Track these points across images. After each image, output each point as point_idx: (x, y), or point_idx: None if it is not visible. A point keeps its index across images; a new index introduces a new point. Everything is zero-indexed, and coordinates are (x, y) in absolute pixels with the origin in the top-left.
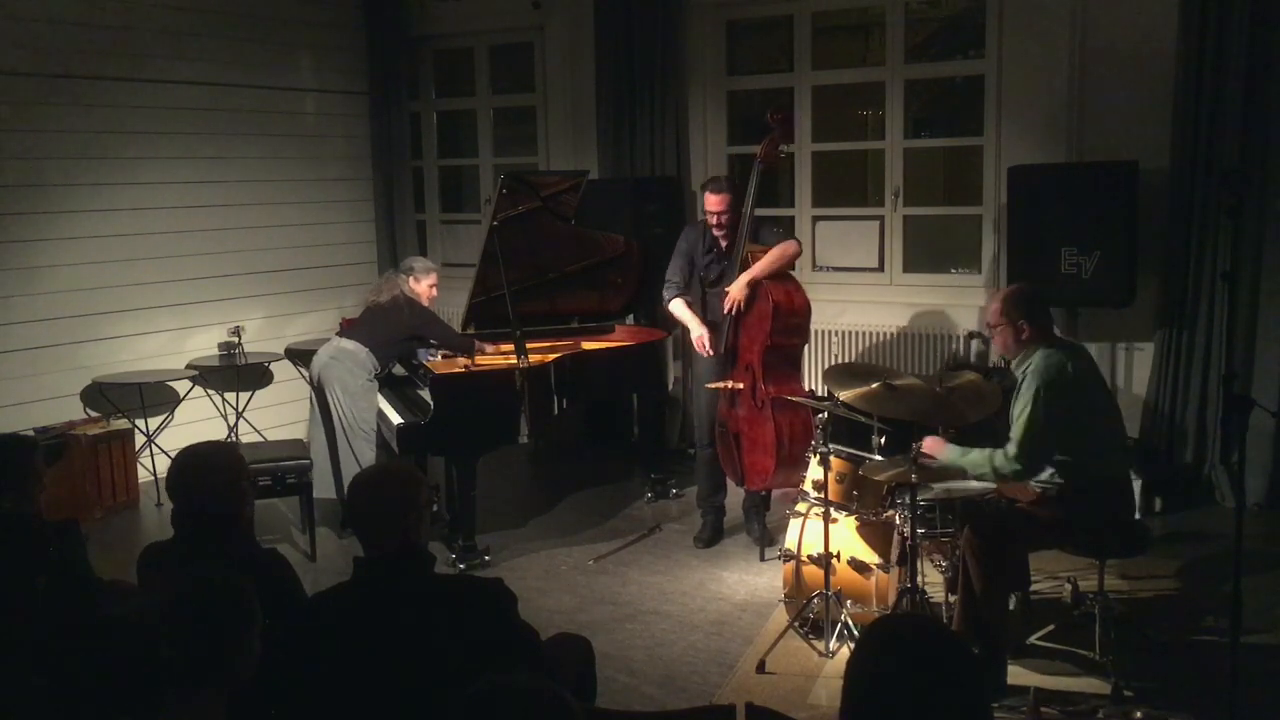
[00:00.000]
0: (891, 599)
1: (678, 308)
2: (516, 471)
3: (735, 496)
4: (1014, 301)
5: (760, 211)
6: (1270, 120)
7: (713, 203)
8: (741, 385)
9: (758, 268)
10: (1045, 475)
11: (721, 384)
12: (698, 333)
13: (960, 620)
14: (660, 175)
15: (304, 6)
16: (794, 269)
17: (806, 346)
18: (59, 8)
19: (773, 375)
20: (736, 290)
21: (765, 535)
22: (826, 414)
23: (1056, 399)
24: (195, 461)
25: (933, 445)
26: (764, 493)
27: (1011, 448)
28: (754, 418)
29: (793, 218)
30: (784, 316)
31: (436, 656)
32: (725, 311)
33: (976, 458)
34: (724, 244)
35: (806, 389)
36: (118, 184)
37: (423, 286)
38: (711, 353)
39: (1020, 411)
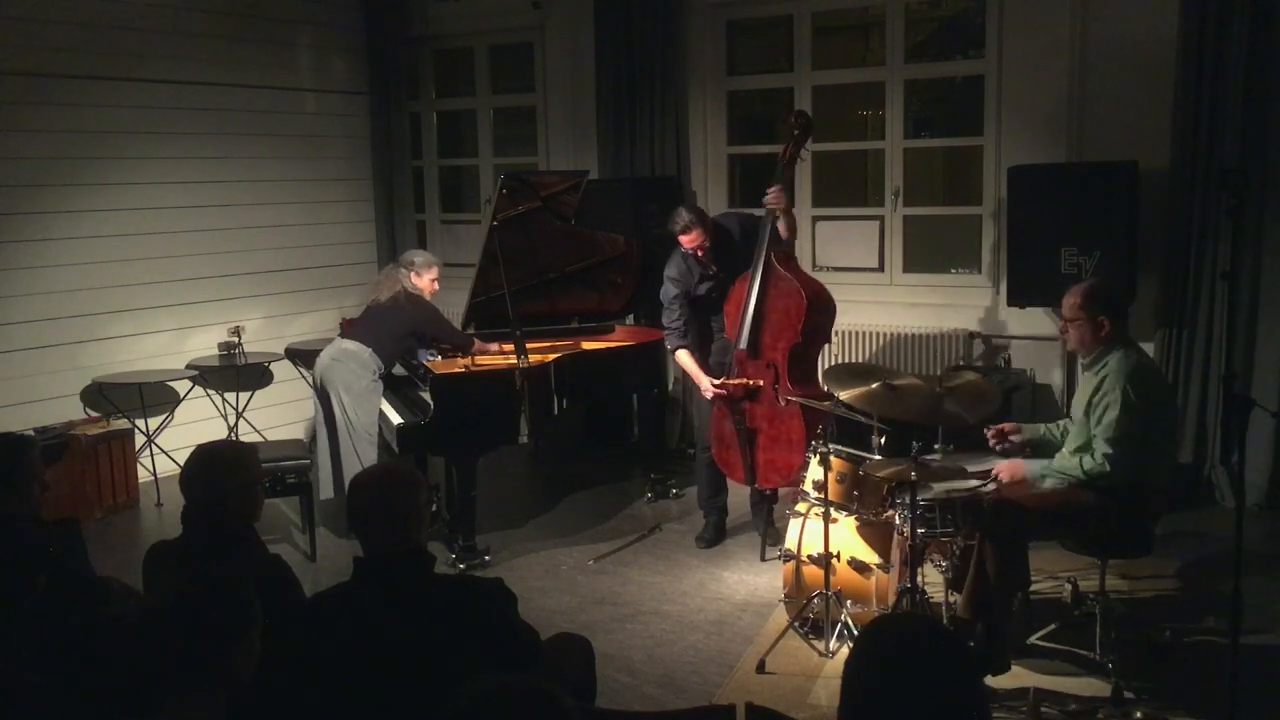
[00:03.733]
0: (891, 599)
1: (684, 359)
2: (516, 471)
3: (736, 496)
4: (1096, 296)
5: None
6: (1270, 120)
7: (688, 241)
8: (761, 383)
9: (790, 217)
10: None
11: (741, 381)
12: (706, 385)
13: (968, 606)
14: (660, 175)
15: (304, 6)
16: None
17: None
18: (59, 8)
19: (796, 373)
20: (776, 195)
21: (774, 531)
22: (829, 414)
23: (1142, 399)
24: (213, 460)
25: (1011, 468)
26: (770, 490)
27: (1104, 448)
28: (778, 415)
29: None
30: (815, 314)
31: (436, 657)
32: (769, 205)
33: (1064, 465)
34: (714, 269)
35: (822, 387)
36: (118, 184)
37: (425, 281)
38: (722, 392)
39: (1107, 412)
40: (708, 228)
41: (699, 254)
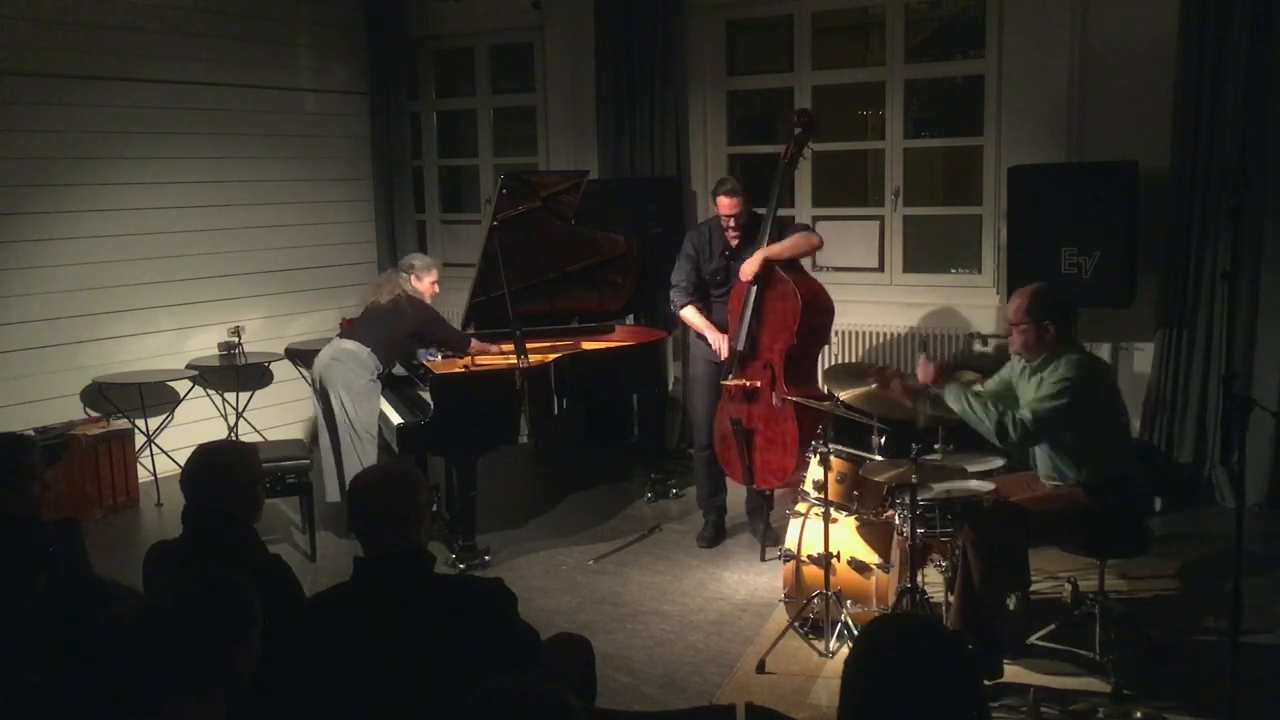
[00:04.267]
0: (891, 599)
1: (690, 314)
2: (516, 471)
3: (735, 496)
4: (1041, 301)
5: (759, 211)
6: (1270, 120)
7: (726, 205)
8: (759, 383)
9: (776, 248)
10: (1049, 471)
11: (739, 382)
12: (715, 339)
13: (958, 615)
14: (660, 175)
15: (304, 6)
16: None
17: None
18: (59, 8)
19: (792, 374)
20: (752, 264)
21: (770, 534)
22: (828, 414)
23: (1082, 403)
24: (214, 460)
25: (929, 372)
26: (768, 492)
27: (1027, 414)
28: (773, 416)
29: (793, 218)
30: (811, 315)
31: (436, 656)
32: (745, 280)
33: (981, 409)
34: (735, 244)
35: (821, 390)
36: (118, 184)
37: (425, 284)
38: (725, 357)
39: (1045, 395)
40: (749, 205)
41: (732, 223)
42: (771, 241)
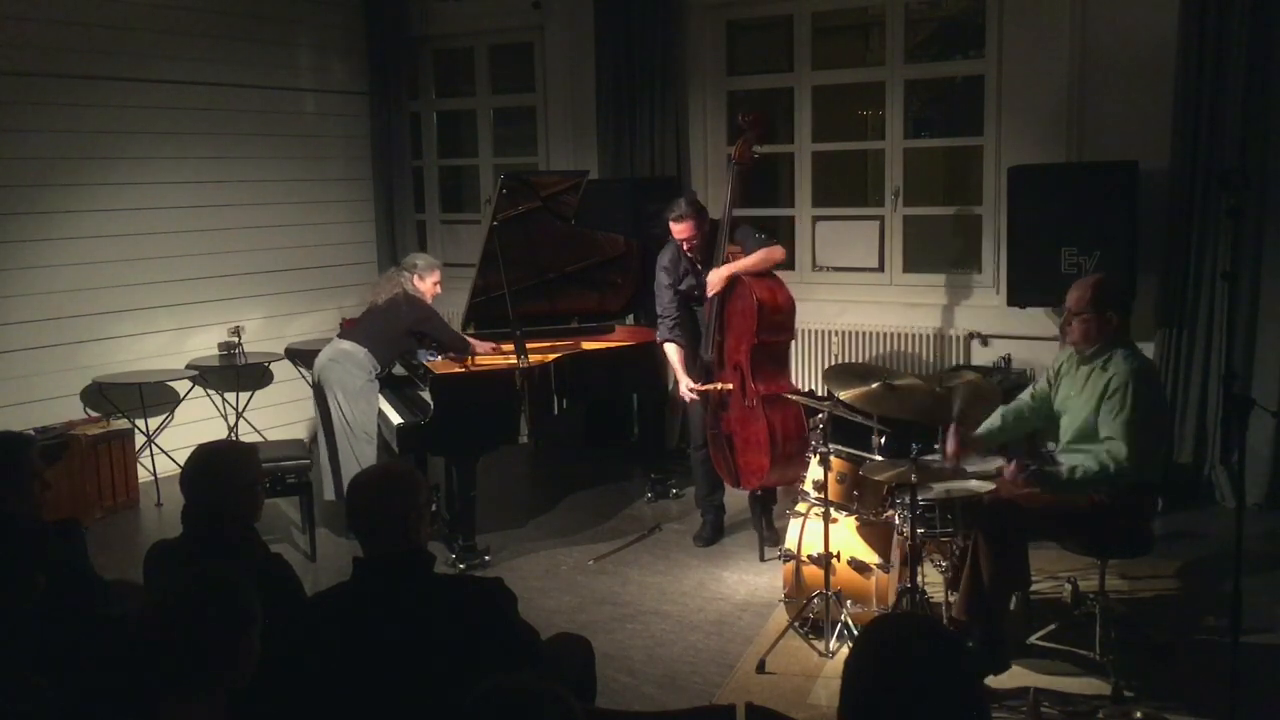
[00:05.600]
0: (891, 599)
1: (671, 352)
2: (516, 471)
3: (737, 495)
4: (1107, 291)
5: (760, 211)
6: (1270, 120)
7: (679, 231)
8: (730, 386)
9: (740, 264)
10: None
11: (710, 386)
12: (685, 383)
13: (963, 610)
14: (660, 175)
15: (304, 6)
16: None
17: (799, 345)
18: (59, 8)
19: (761, 373)
20: (715, 280)
21: (773, 534)
22: (826, 414)
23: (1151, 401)
24: (214, 460)
25: (1014, 485)
26: (758, 491)
27: (1121, 448)
28: (745, 417)
29: (793, 218)
30: (768, 314)
31: (436, 656)
32: (709, 294)
33: (1089, 471)
34: (699, 265)
35: (795, 385)
36: (118, 184)
37: (427, 284)
38: (695, 399)
39: (1122, 413)
40: (702, 225)
41: (685, 247)
42: (724, 241)
